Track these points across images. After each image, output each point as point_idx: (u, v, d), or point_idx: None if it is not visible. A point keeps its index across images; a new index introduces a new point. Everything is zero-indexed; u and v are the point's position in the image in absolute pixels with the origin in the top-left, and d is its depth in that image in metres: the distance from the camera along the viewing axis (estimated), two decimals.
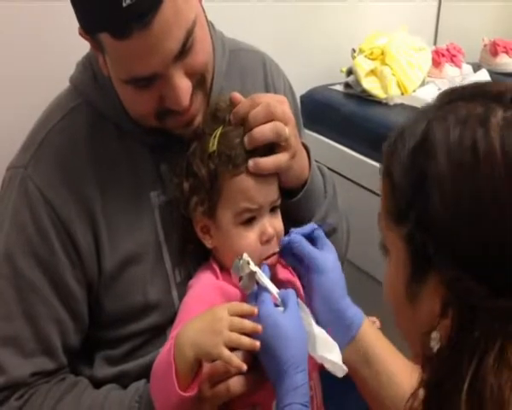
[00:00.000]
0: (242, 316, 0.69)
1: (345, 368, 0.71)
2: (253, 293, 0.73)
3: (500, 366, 0.42)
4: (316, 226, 0.79)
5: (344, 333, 0.74)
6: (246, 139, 0.76)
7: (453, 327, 0.45)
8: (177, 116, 0.76)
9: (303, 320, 0.71)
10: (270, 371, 0.69)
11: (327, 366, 0.73)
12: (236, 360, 0.66)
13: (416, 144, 0.48)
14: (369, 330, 0.74)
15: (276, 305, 0.72)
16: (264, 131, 0.76)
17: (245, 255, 0.73)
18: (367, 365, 0.73)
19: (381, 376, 0.71)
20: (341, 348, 0.73)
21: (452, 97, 0.49)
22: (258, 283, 0.73)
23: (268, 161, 0.76)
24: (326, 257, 0.76)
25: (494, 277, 0.43)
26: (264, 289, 0.72)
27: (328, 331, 0.74)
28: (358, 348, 0.73)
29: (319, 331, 0.73)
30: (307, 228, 0.79)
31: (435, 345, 0.48)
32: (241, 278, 0.72)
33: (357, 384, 0.75)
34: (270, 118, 0.76)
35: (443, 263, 0.45)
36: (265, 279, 0.72)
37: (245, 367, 0.67)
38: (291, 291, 0.73)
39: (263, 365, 0.70)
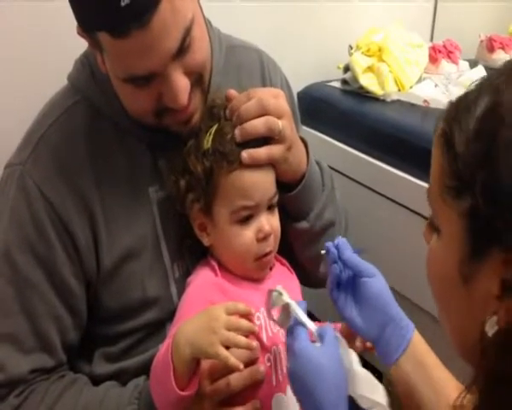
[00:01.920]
0: (242, 316, 0.69)
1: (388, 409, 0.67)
2: (289, 327, 0.68)
3: None
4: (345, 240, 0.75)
5: (400, 338, 0.69)
6: (236, 132, 0.76)
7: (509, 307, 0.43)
8: (175, 114, 0.76)
9: (342, 357, 0.67)
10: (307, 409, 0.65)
11: (366, 406, 0.68)
12: (233, 359, 0.66)
13: (484, 112, 0.45)
14: (420, 338, 0.71)
15: (313, 341, 0.66)
16: (255, 125, 0.76)
17: (279, 287, 0.70)
18: (422, 370, 0.68)
19: (434, 382, 0.67)
20: (397, 356, 0.69)
21: (508, 70, 0.47)
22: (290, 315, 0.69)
23: (261, 152, 0.77)
24: (367, 263, 0.73)
25: None
26: (299, 322, 0.67)
27: (377, 343, 0.70)
28: (414, 354, 0.69)
29: (361, 370, 0.69)
30: (340, 240, 0.74)
31: (491, 330, 0.45)
32: (274, 312, 0.70)
33: (404, 395, 0.70)
34: (262, 112, 0.76)
35: (509, 239, 0.42)
36: (300, 312, 0.68)
37: (242, 366, 0.67)
38: (329, 326, 0.68)
39: (299, 403, 0.66)
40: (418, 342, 0.70)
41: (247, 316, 0.70)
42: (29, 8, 1.06)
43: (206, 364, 0.72)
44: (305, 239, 0.89)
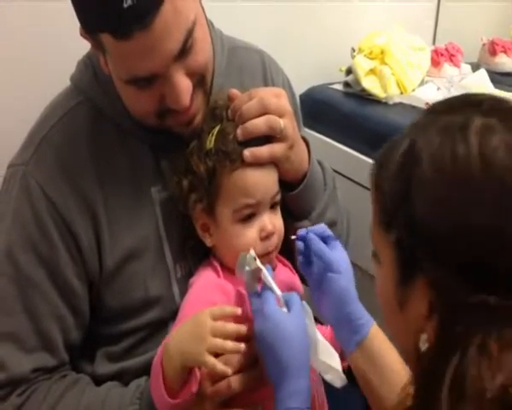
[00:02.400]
0: (237, 320, 0.69)
1: (343, 376, 0.71)
2: (255, 292, 0.72)
3: (481, 358, 0.44)
4: (326, 228, 0.78)
5: (353, 334, 0.72)
6: (238, 131, 0.76)
7: (439, 326, 0.48)
8: (177, 115, 0.76)
9: (307, 326, 0.71)
10: (271, 372, 0.68)
11: (327, 376, 0.72)
12: (220, 366, 0.67)
13: (402, 154, 0.51)
14: (378, 334, 0.73)
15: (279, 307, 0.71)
16: (256, 124, 0.76)
17: (252, 251, 0.73)
18: (373, 366, 0.72)
19: (385, 376, 0.71)
20: (349, 350, 0.72)
21: (434, 111, 0.52)
22: (259, 281, 0.72)
23: (263, 150, 0.77)
24: (341, 257, 0.75)
25: (475, 274, 0.46)
26: (268, 288, 0.71)
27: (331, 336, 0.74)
28: (366, 351, 0.72)
29: (322, 339, 0.73)
30: (319, 228, 0.77)
31: (423, 346, 0.50)
32: (245, 274, 0.72)
33: (361, 384, 0.74)
34: (263, 111, 0.77)
35: (429, 265, 0.47)
36: (270, 279, 0.72)
37: (230, 372, 0.67)
38: (295, 294, 0.72)
39: (263, 365, 0.70)
40: (374, 338, 0.72)
41: (235, 317, 0.70)
42: (31, 9, 1.06)
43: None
44: None
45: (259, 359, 0.72)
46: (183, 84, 0.72)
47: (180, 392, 0.69)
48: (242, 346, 0.68)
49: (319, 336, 0.73)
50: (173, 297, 0.83)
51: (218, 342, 0.67)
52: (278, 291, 0.71)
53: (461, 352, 0.45)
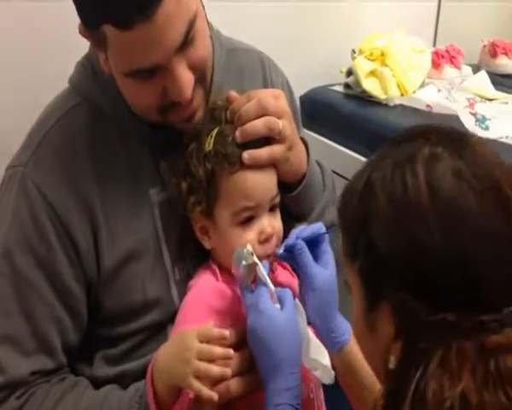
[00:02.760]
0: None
1: (332, 374, 0.71)
2: (249, 287, 0.72)
3: (441, 372, 0.47)
4: (322, 230, 0.77)
5: (331, 346, 0.74)
6: (237, 133, 0.76)
7: (403, 346, 0.50)
8: (179, 110, 0.76)
9: (299, 323, 0.71)
10: (262, 368, 0.69)
11: (316, 373, 0.73)
12: (206, 392, 0.66)
13: (361, 187, 0.54)
14: (354, 348, 0.74)
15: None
16: (255, 126, 0.76)
17: (249, 246, 0.73)
18: (352, 374, 0.74)
19: (365, 381, 0.73)
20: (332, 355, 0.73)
21: (390, 143, 0.56)
22: (255, 277, 0.72)
23: (262, 152, 0.77)
24: (320, 273, 0.74)
25: (432, 294, 0.48)
26: (262, 283, 0.72)
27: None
28: (345, 362, 0.74)
29: (312, 336, 0.73)
30: (315, 228, 0.76)
31: (391, 365, 0.52)
32: (241, 268, 0.72)
33: (343, 388, 0.77)
34: (261, 113, 0.77)
35: (390, 290, 0.50)
36: (265, 274, 0.72)
37: (216, 397, 0.66)
38: (288, 291, 0.72)
39: (255, 359, 0.70)
40: (350, 353, 0.74)
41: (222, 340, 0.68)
42: (29, 9, 1.05)
43: None
44: None
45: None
46: (186, 76, 0.72)
47: (172, 406, 0.69)
48: (228, 371, 0.67)
49: (310, 334, 0.73)
50: (172, 300, 0.82)
51: (203, 366, 0.66)
52: (272, 287, 0.72)
53: (423, 368, 0.47)
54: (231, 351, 0.68)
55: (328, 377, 0.72)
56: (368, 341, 0.56)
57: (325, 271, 0.74)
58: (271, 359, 0.67)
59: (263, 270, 0.72)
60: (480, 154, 0.51)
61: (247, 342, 0.72)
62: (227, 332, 0.69)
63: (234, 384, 0.71)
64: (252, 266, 0.72)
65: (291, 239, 0.76)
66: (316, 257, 0.75)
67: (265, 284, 0.71)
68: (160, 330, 0.82)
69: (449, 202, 0.48)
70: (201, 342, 0.68)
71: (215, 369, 0.67)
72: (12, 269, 0.77)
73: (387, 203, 0.51)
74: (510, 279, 0.48)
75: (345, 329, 0.75)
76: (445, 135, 0.53)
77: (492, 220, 0.48)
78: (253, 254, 0.72)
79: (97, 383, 0.81)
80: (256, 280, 0.73)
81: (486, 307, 0.48)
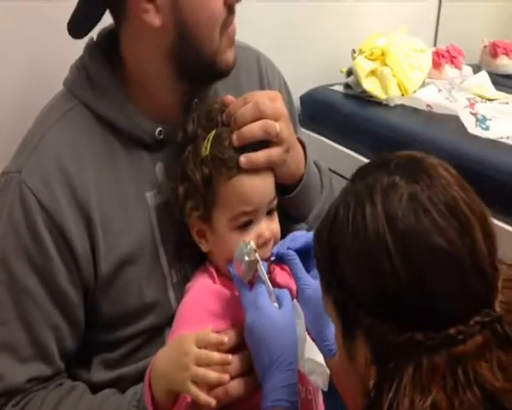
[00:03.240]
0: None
1: (328, 372, 0.71)
2: (247, 285, 0.73)
3: (412, 388, 0.49)
4: (308, 237, 0.76)
5: (325, 353, 0.73)
6: (234, 137, 0.75)
7: (376, 368, 0.52)
8: (231, 26, 0.79)
9: (296, 324, 0.71)
10: (259, 365, 0.69)
11: (311, 377, 0.72)
12: (204, 397, 0.66)
13: (329, 223, 0.56)
14: None
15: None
16: (252, 129, 0.76)
17: (252, 242, 0.73)
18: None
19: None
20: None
21: (355, 177, 0.57)
22: (254, 275, 0.73)
23: (260, 156, 0.76)
24: (311, 284, 0.74)
25: (398, 317, 0.51)
26: (261, 282, 0.72)
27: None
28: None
29: (308, 337, 0.73)
30: (308, 239, 0.75)
31: (372, 392, 0.53)
32: (243, 264, 0.72)
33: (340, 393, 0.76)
34: (258, 116, 0.76)
35: (360, 316, 0.53)
36: (265, 273, 0.72)
37: (213, 403, 0.66)
38: (286, 292, 0.73)
39: (252, 356, 0.70)
40: None
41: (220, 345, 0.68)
42: (22, 11, 1.04)
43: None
44: None
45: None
46: None
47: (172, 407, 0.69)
48: (226, 377, 0.67)
49: (307, 336, 0.73)
50: (169, 303, 0.82)
51: (201, 371, 0.66)
52: (271, 286, 0.72)
53: (395, 386, 0.49)
54: (229, 356, 0.68)
55: (322, 380, 0.72)
56: (349, 369, 0.57)
57: (316, 281, 0.73)
58: (268, 355, 0.67)
59: (263, 268, 0.72)
60: (435, 176, 0.53)
61: (245, 343, 0.71)
62: (225, 338, 0.69)
63: (233, 386, 0.71)
64: (253, 263, 0.72)
65: (282, 248, 0.76)
66: (308, 266, 0.75)
67: (264, 283, 0.72)
68: (157, 333, 0.82)
69: (405, 226, 0.50)
70: (199, 347, 0.67)
71: (213, 375, 0.67)
72: (8, 276, 0.76)
73: (351, 236, 0.53)
74: (472, 291, 0.50)
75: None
76: (402, 163, 0.55)
77: (449, 237, 0.50)
78: (255, 251, 0.72)
79: (95, 388, 0.80)
80: (254, 279, 0.73)
81: (452, 321, 0.50)
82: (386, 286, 0.50)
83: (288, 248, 0.75)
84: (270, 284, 0.72)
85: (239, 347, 0.72)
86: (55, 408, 0.76)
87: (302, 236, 0.77)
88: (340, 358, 0.58)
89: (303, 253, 0.75)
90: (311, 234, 0.75)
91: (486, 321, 0.50)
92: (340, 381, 0.63)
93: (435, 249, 0.50)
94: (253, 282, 0.73)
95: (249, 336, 0.70)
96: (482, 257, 0.51)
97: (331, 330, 0.74)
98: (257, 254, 0.72)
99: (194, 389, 0.66)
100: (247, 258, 0.71)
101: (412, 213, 0.50)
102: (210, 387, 0.70)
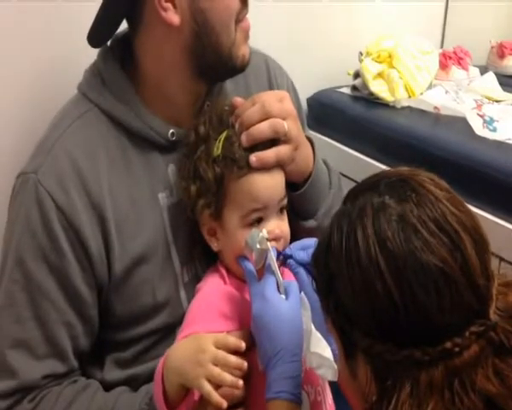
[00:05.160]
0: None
1: (336, 368, 0.70)
2: (255, 276, 0.73)
3: (411, 403, 0.50)
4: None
5: None
6: (243, 137, 0.77)
7: (377, 385, 0.53)
8: (245, 20, 0.81)
9: (302, 316, 0.72)
10: (264, 354, 0.69)
11: (319, 371, 0.72)
12: (216, 397, 0.67)
13: (324, 246, 0.56)
14: None
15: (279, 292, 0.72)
16: (260, 129, 0.77)
17: (264, 230, 0.74)
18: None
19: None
20: None
21: (347, 199, 0.58)
22: (264, 263, 0.73)
23: (269, 154, 0.77)
24: (313, 294, 0.73)
25: (394, 336, 0.51)
26: (271, 272, 0.73)
27: None
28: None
29: (315, 331, 0.73)
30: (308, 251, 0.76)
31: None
32: (254, 251, 0.72)
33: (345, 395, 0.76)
34: (265, 116, 0.77)
35: (358, 337, 0.53)
36: (275, 263, 0.73)
37: (225, 405, 0.67)
38: (295, 284, 0.73)
39: (257, 346, 0.70)
40: None
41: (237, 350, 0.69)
42: (34, 16, 1.05)
43: None
44: (312, 238, 0.89)
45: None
46: None
47: (180, 404, 0.70)
48: (240, 383, 0.68)
49: (313, 329, 0.73)
50: (180, 302, 0.84)
51: (217, 371, 0.67)
52: (280, 277, 0.73)
53: (394, 402, 0.50)
54: (245, 363, 0.69)
55: (331, 372, 0.72)
56: (352, 386, 0.58)
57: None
58: (273, 346, 0.68)
59: (274, 258, 0.73)
60: (424, 193, 0.53)
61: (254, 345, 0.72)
62: (243, 344, 0.70)
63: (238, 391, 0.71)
64: (264, 252, 0.73)
65: (287, 253, 0.76)
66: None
67: (274, 273, 0.72)
68: (169, 332, 0.83)
69: (395, 247, 0.51)
70: (217, 348, 0.68)
71: (228, 376, 0.68)
72: (24, 276, 0.77)
73: (345, 261, 0.53)
74: (465, 304, 0.51)
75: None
76: (391, 182, 0.55)
77: (440, 254, 0.50)
78: (268, 239, 0.73)
79: (108, 387, 0.82)
80: (263, 271, 0.74)
81: (448, 334, 0.50)
82: (380, 307, 0.51)
83: (292, 258, 0.75)
84: (279, 274, 0.73)
85: (248, 348, 0.73)
86: (69, 405, 0.78)
87: (312, 246, 0.74)
88: (343, 376, 0.59)
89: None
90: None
91: (481, 331, 0.51)
92: (346, 392, 0.63)
93: (426, 268, 0.50)
94: (261, 275, 0.74)
95: (255, 326, 0.71)
96: (474, 270, 0.51)
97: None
98: (268, 243, 0.73)
99: (207, 387, 0.67)
100: (258, 246, 0.72)
101: (402, 234, 0.51)
102: (218, 387, 0.70)
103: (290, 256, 0.76)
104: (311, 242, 0.77)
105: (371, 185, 0.56)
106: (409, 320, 0.50)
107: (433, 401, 0.49)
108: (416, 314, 0.50)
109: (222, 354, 0.68)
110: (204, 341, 0.69)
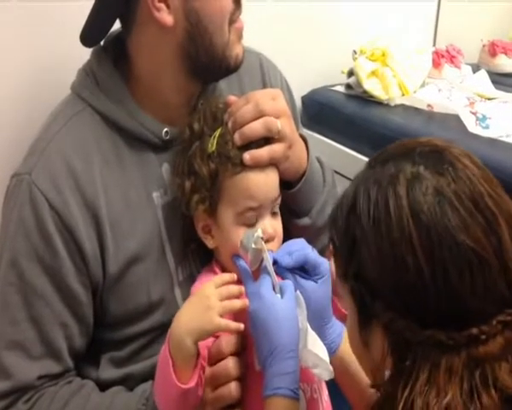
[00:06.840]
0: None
1: (331, 369, 0.72)
2: (251, 275, 0.74)
3: (428, 389, 0.48)
4: (306, 252, 0.76)
5: (327, 348, 0.74)
6: (236, 136, 0.77)
7: (394, 362, 0.51)
8: (238, 21, 0.81)
9: (298, 315, 0.72)
10: (261, 353, 0.70)
11: (315, 371, 0.73)
12: (234, 324, 0.69)
13: (347, 210, 0.54)
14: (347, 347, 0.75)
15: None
16: (254, 128, 0.77)
17: (260, 230, 0.74)
18: (349, 374, 0.76)
19: (362, 381, 0.73)
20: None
21: (375, 162, 0.55)
22: (260, 263, 0.74)
23: (263, 152, 0.77)
24: (308, 288, 0.74)
25: (419, 314, 0.49)
26: (266, 272, 0.73)
27: None
28: (340, 360, 0.76)
29: (311, 330, 0.74)
30: (304, 251, 0.76)
31: (386, 380, 0.53)
32: (249, 251, 0.73)
33: (342, 388, 0.78)
34: (258, 115, 0.78)
35: (379, 309, 0.52)
36: (270, 263, 0.73)
37: (242, 326, 0.70)
38: (290, 283, 0.74)
39: (255, 345, 0.71)
40: (344, 350, 0.75)
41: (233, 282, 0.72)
42: (28, 17, 1.04)
43: (207, 371, 0.73)
44: (307, 236, 0.89)
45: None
46: None
47: (189, 378, 0.68)
48: (247, 301, 0.71)
49: (309, 328, 0.74)
50: (175, 301, 0.84)
51: (227, 303, 0.69)
52: (275, 277, 0.73)
53: (411, 384, 0.48)
54: (242, 288, 0.72)
55: (326, 372, 0.73)
56: (364, 355, 0.57)
57: (314, 284, 0.75)
58: (270, 343, 0.68)
59: (269, 258, 0.73)
60: (461, 168, 0.51)
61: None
62: (235, 276, 0.73)
63: (236, 388, 0.72)
64: (259, 252, 0.73)
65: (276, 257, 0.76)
66: (306, 272, 0.76)
67: (269, 273, 0.73)
68: (164, 331, 0.81)
69: (431, 221, 0.49)
70: (217, 288, 0.70)
71: (238, 302, 0.70)
72: (19, 277, 0.77)
73: (372, 228, 0.51)
74: (497, 291, 0.49)
75: (339, 331, 0.77)
76: (426, 152, 0.53)
77: (475, 235, 0.48)
78: (262, 239, 0.73)
79: (103, 386, 0.81)
80: (259, 271, 0.74)
81: (474, 320, 0.48)
82: (408, 283, 0.49)
83: (281, 266, 0.74)
84: (274, 274, 0.73)
85: (240, 350, 0.74)
86: (64, 405, 0.77)
87: (298, 250, 0.76)
88: (355, 343, 0.57)
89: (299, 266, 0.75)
90: (305, 246, 0.77)
91: (509, 320, 0.49)
92: (358, 361, 0.62)
93: (461, 247, 0.48)
94: (257, 275, 0.74)
95: (252, 325, 0.71)
96: (509, 257, 0.49)
97: (333, 324, 0.76)
98: (263, 243, 0.73)
99: (223, 321, 0.68)
100: (253, 245, 0.72)
101: (439, 209, 0.49)
102: (215, 386, 0.72)
103: (275, 262, 0.75)
104: (297, 245, 0.77)
105: (404, 152, 0.53)
106: (437, 300, 0.48)
107: (452, 391, 0.47)
108: (446, 295, 0.48)
109: (224, 288, 0.71)
110: (203, 290, 0.71)
